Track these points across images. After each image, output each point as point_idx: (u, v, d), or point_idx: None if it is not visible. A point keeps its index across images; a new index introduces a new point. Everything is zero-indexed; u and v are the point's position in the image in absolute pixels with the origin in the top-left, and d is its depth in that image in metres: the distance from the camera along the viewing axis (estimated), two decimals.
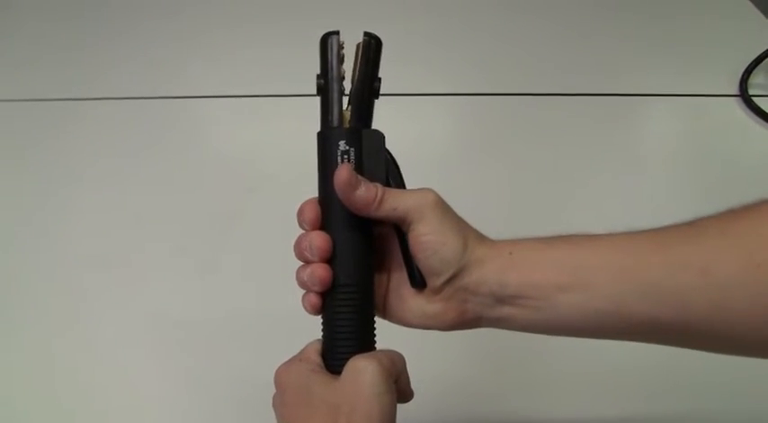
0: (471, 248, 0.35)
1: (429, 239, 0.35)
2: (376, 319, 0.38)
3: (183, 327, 0.59)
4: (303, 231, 0.37)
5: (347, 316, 0.36)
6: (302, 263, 0.37)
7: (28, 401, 0.54)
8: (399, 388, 0.35)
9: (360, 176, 0.35)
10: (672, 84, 0.84)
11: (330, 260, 0.36)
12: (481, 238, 0.36)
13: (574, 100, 0.82)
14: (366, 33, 0.37)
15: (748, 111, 0.80)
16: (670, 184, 0.74)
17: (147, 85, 0.83)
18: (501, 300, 0.35)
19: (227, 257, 0.65)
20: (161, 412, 0.54)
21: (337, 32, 0.37)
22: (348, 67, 0.37)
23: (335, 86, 0.37)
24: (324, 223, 0.36)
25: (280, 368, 0.36)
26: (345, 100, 0.37)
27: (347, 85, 0.37)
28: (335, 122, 0.37)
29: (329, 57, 0.37)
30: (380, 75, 0.38)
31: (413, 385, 0.37)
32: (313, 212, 0.36)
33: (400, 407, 0.34)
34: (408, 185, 0.38)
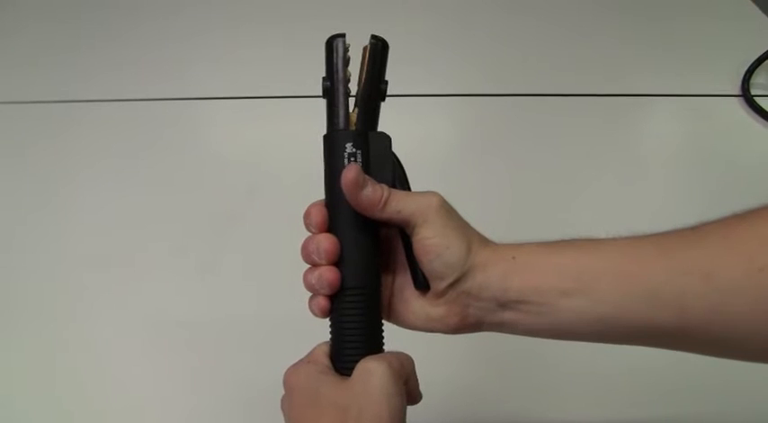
0: (475, 252, 0.35)
1: (433, 243, 0.35)
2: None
3: (183, 327, 0.59)
4: (309, 234, 0.37)
5: (356, 318, 0.36)
6: (309, 266, 0.36)
7: (28, 401, 0.54)
8: (408, 390, 0.35)
9: (367, 176, 0.35)
10: (674, 84, 0.84)
11: (338, 263, 0.36)
12: (484, 241, 0.36)
13: (576, 100, 0.82)
14: (373, 36, 0.37)
15: (750, 111, 0.80)
16: (672, 185, 0.74)
17: (149, 87, 0.82)
18: (503, 305, 0.35)
19: (228, 258, 0.65)
20: (161, 413, 0.54)
21: (343, 35, 0.37)
22: (353, 69, 0.37)
23: (341, 89, 0.36)
24: (331, 226, 0.36)
25: (288, 370, 0.36)
26: (351, 102, 0.37)
27: (353, 88, 0.37)
28: (342, 125, 0.36)
29: (335, 59, 0.36)
30: None
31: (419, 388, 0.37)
32: (320, 215, 0.36)
33: (407, 409, 0.34)
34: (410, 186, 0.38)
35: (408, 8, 0.96)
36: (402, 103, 0.79)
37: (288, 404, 0.36)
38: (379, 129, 0.38)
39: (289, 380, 0.36)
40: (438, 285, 0.36)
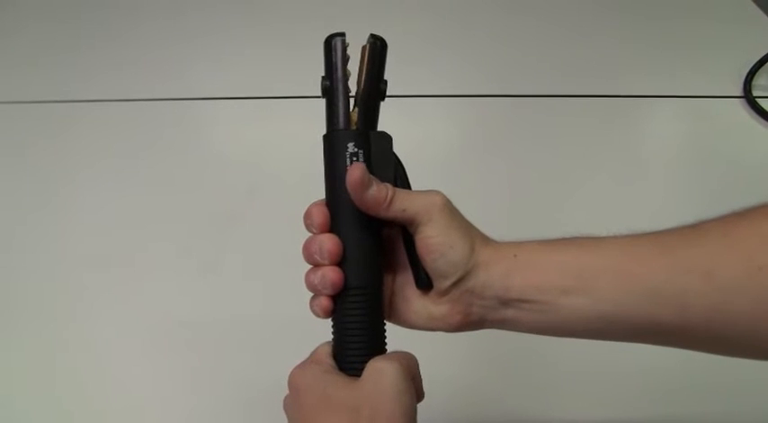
0: (478, 251, 0.35)
1: (437, 242, 0.35)
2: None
3: (183, 327, 0.59)
4: (310, 234, 0.37)
5: (359, 318, 0.36)
6: (310, 266, 0.36)
7: (28, 401, 0.54)
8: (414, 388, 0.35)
9: (372, 176, 0.35)
10: (675, 85, 0.84)
11: (340, 263, 0.36)
12: (486, 240, 0.36)
13: (577, 101, 0.82)
14: (372, 35, 0.37)
15: (752, 112, 0.80)
16: (674, 186, 0.74)
17: (149, 87, 0.82)
18: (505, 303, 0.35)
19: (229, 258, 0.64)
20: (161, 413, 0.54)
21: (342, 34, 0.36)
22: (352, 68, 0.37)
23: (341, 88, 0.36)
24: (332, 226, 0.36)
25: (294, 370, 0.36)
26: (350, 102, 0.37)
27: (352, 88, 0.37)
28: (342, 124, 0.36)
29: (334, 58, 0.36)
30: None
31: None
32: (321, 215, 0.36)
33: None
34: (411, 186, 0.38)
35: (408, 9, 0.96)
36: (402, 103, 0.78)
37: (295, 405, 0.35)
38: (379, 129, 0.37)
39: (295, 380, 0.36)
40: (441, 284, 0.36)
